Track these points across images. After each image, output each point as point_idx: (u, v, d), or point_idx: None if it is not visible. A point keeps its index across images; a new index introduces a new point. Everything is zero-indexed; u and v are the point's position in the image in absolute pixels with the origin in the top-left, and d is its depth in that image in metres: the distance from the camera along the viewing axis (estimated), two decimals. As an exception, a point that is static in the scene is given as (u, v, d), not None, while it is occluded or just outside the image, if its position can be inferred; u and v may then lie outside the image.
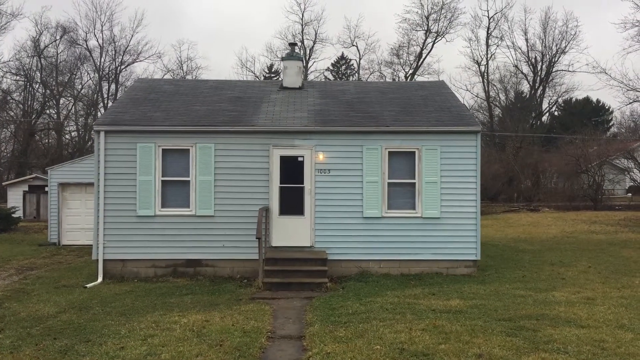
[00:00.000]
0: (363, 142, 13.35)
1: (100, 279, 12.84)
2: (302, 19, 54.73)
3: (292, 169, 13.36)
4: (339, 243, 13.23)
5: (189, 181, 13.25)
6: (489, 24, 53.03)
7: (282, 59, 16.20)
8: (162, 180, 13.24)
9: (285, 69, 16.25)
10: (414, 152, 13.37)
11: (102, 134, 13.10)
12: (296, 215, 13.30)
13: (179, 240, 13.16)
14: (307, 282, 11.74)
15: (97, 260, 13.08)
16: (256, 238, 11.63)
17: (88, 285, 12.21)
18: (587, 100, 59.60)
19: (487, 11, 52.08)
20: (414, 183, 13.34)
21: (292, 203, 13.32)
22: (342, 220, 13.27)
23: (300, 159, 13.37)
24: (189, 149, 13.26)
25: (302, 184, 13.31)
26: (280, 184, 13.29)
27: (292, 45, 16.38)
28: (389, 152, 13.37)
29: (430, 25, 52.98)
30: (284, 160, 13.33)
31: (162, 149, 13.25)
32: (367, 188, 13.26)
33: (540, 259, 15.61)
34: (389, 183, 13.35)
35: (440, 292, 10.95)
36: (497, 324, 8.15)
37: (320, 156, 13.31)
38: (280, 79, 16.49)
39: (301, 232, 13.26)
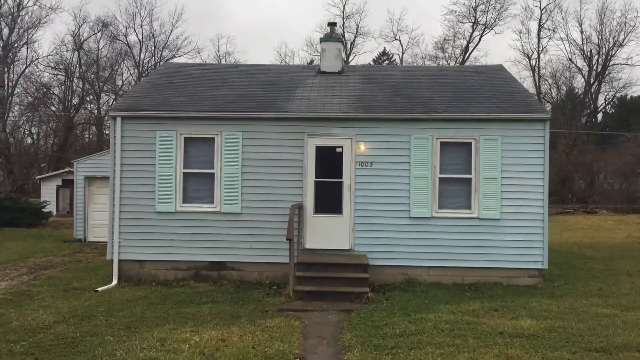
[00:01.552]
0: (411, 132, 11.62)
1: (114, 282, 11.51)
2: (343, 12, 52.91)
3: (329, 162, 11.75)
4: (382, 247, 11.56)
5: (213, 174, 11.79)
6: (541, 15, 50.19)
7: (320, 40, 14.61)
8: (184, 173, 11.81)
9: (323, 52, 14.65)
10: (470, 143, 11.57)
11: (118, 120, 11.76)
12: (333, 214, 11.69)
13: (201, 240, 11.72)
14: (344, 292, 10.11)
15: (112, 260, 11.76)
16: (287, 239, 10.07)
17: (100, 289, 10.88)
18: (643, 97, 56.06)
19: (540, 1, 48.75)
20: (470, 179, 11.55)
21: (328, 200, 11.71)
22: (385, 220, 11.59)
23: (338, 150, 11.74)
24: (213, 138, 11.80)
25: (341, 178, 11.69)
26: (316, 178, 11.69)
27: (332, 25, 14.75)
28: (441, 142, 11.61)
29: (477, 17, 50.47)
30: (320, 151, 11.73)
31: (184, 138, 11.82)
32: (415, 184, 11.54)
33: (613, 268, 13.57)
34: (440, 179, 11.59)
35: (503, 307, 9.16)
36: (589, 356, 6.36)
37: (362, 147, 11.65)
38: (318, 63, 14.76)
39: (339, 234, 11.63)
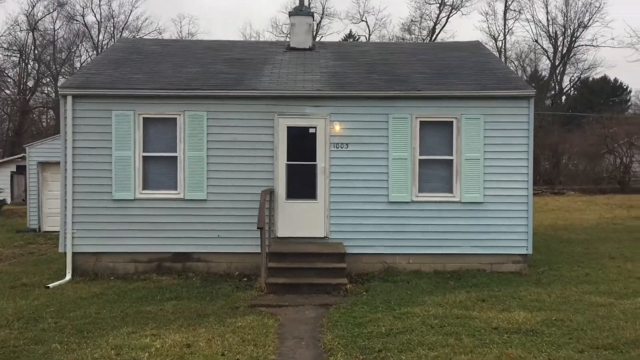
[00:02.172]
0: (389, 111, 10.87)
1: (68, 277, 10.50)
2: (309, -8, 51.76)
3: (302, 143, 10.92)
4: (360, 234, 10.83)
5: (176, 157, 10.83)
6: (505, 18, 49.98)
7: (289, 14, 13.68)
8: (144, 157, 10.82)
9: (292, 27, 13.72)
10: (451, 123, 10.89)
11: (69, 99, 10.66)
12: (307, 200, 10.89)
13: (164, 229, 10.79)
14: (321, 283, 9.36)
15: (65, 253, 10.74)
16: (257, 228, 9.23)
17: (51, 285, 9.87)
18: (604, 79, 56.54)
19: None
20: (451, 160, 10.88)
21: (302, 184, 10.90)
22: (363, 205, 10.85)
23: (311, 130, 10.91)
24: (175, 118, 10.82)
25: (314, 161, 10.88)
26: (288, 161, 10.85)
27: (301, -2, 13.87)
28: (421, 122, 10.89)
29: (444, -3, 50.01)
30: (292, 132, 10.88)
31: (144, 118, 10.81)
32: (394, 166, 10.82)
33: (594, 251, 13.17)
34: (420, 160, 10.89)
35: (492, 297, 8.55)
36: (600, 355, 5.75)
37: (337, 127, 10.85)
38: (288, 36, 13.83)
39: (313, 220, 10.85)
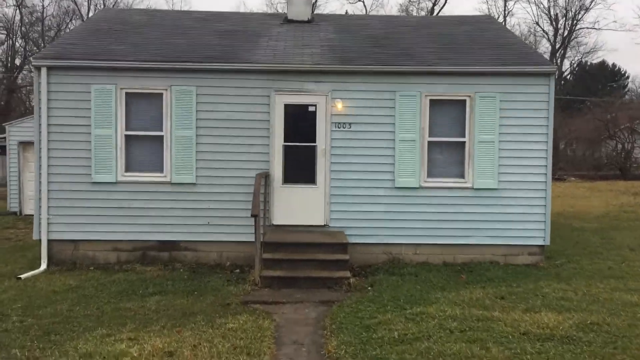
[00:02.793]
0: (396, 87, 9.92)
1: (43, 266, 9.57)
2: (305, -30, 50.33)
3: (300, 122, 9.98)
4: (363, 222, 9.94)
5: (162, 137, 9.86)
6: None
7: (287, -18, 12.64)
8: (126, 135, 9.84)
9: (290, -3, 12.70)
10: (463, 101, 9.96)
11: (43, 72, 9.64)
12: (306, 184, 9.98)
13: (149, 215, 9.85)
14: (321, 277, 8.47)
15: (40, 241, 9.79)
16: (251, 215, 8.30)
17: (23, 276, 8.94)
18: (603, 64, 55.72)
19: None
20: (464, 142, 9.97)
21: (300, 167, 9.97)
22: (366, 191, 9.95)
23: (311, 108, 9.96)
24: (162, 94, 9.83)
25: (314, 142, 9.94)
26: (285, 142, 9.91)
27: (300, -35, 12.78)
28: (431, 100, 9.95)
29: (444, -23, 48.73)
30: (291, 110, 9.93)
31: (126, 93, 9.82)
32: (401, 149, 9.90)
33: (611, 241, 12.34)
34: (429, 142, 9.98)
35: (511, 295, 7.69)
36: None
37: (339, 105, 9.90)
38: (285, 12, 12.82)
39: (312, 207, 9.94)
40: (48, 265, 9.64)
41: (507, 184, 9.94)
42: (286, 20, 12.60)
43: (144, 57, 9.96)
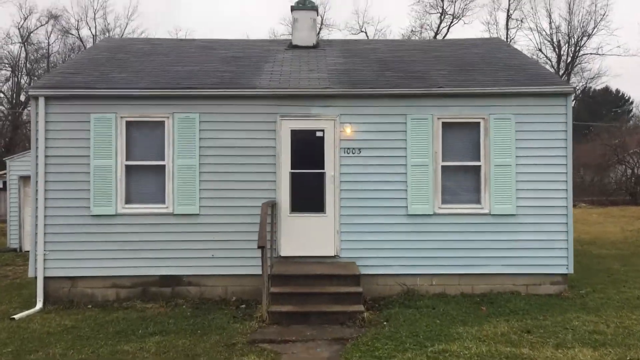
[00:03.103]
0: (407, 111, 9.53)
1: (39, 305, 9.07)
2: (307, 2, 50.71)
3: (308, 149, 9.57)
4: (375, 252, 9.44)
5: (164, 166, 9.45)
6: (509, 5, 48.96)
7: (292, 8, 12.38)
8: (127, 166, 9.44)
9: (295, 22, 12.42)
10: (478, 124, 9.54)
11: (41, 101, 9.30)
12: (314, 213, 9.51)
13: (150, 249, 9.38)
14: (333, 312, 7.93)
15: (36, 278, 9.30)
16: (258, 247, 7.82)
17: (17, 316, 8.44)
18: (606, 90, 55.57)
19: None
20: (479, 167, 9.52)
21: (308, 196, 9.52)
22: (378, 219, 9.47)
23: (319, 134, 9.56)
24: (164, 122, 9.46)
25: (323, 169, 9.51)
26: (292, 169, 9.49)
27: (304, -9, 12.59)
28: (443, 123, 9.55)
29: (445, 7, 48.95)
30: (297, 136, 9.53)
31: (127, 122, 9.45)
32: (414, 174, 9.45)
33: (634, 268, 11.77)
34: (443, 167, 9.53)
35: (538, 328, 7.14)
36: None
37: (348, 130, 9.50)
38: (289, 38, 12.53)
39: (322, 237, 9.46)
40: (44, 304, 9.13)
41: (526, 210, 9.45)
42: (291, 46, 12.32)
43: (144, 85, 9.63)
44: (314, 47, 12.29)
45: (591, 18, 48.06)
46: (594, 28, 47.86)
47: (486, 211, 9.46)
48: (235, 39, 13.05)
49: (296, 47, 12.26)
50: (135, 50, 11.82)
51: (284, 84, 9.76)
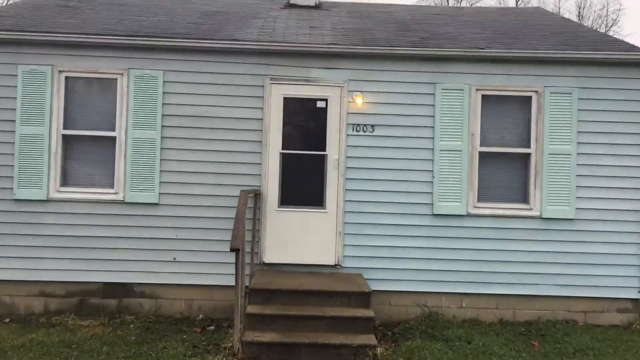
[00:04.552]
0: (436, 78, 7.28)
1: (-63, 318, 6.76)
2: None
3: (305, 123, 7.32)
4: (388, 261, 7.19)
5: (114, 139, 7.16)
6: (516, 4, 46.91)
7: (290, -42, 10.12)
8: (64, 136, 7.14)
9: (294, -24, 10.17)
10: (528, 99, 7.30)
11: (-48, 45, 7.00)
12: (311, 208, 7.24)
13: (92, 247, 7.08)
14: (332, 345, 5.65)
15: (-64, 280, 6.99)
16: (231, 249, 5.51)
17: None
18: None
19: None
20: (528, 155, 7.28)
21: (303, 184, 7.26)
22: (394, 218, 7.21)
23: (320, 104, 7.29)
24: (116, 79, 7.17)
25: (323, 150, 7.24)
26: (284, 149, 7.22)
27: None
28: (483, 96, 7.30)
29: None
30: (292, 106, 7.27)
31: (67, 77, 7.16)
32: (442, 162, 7.20)
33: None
34: (481, 154, 7.28)
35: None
36: None
37: (358, 101, 7.23)
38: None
39: (319, 239, 7.19)
40: (-56, 316, 6.82)
41: (587, 213, 7.20)
42: (287, 5, 10.07)
43: (93, 30, 7.33)
44: (316, 7, 10.05)
45: (602, 22, 46.09)
46: (605, 33, 45.93)
47: (536, 213, 7.21)
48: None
49: (294, 5, 10.02)
50: (101, 1, 9.51)
51: (277, 37, 7.49)
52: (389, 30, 8.38)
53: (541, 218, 7.21)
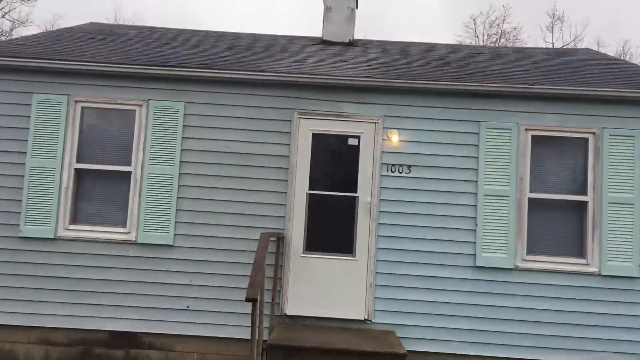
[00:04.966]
0: (480, 116, 6.63)
1: None
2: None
3: (335, 162, 6.72)
4: (424, 318, 6.40)
5: (129, 174, 6.65)
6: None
7: (324, -6, 9.76)
8: (77, 170, 6.67)
9: (327, 13, 9.74)
10: (584, 141, 6.58)
11: (-35, 72, 6.67)
12: (339, 255, 6.54)
13: (99, 291, 6.49)
14: (361, 416, 4.86)
15: None
16: (247, 299, 4.83)
17: None
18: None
19: (552, 44, 44.18)
20: (584, 203, 6.50)
21: (331, 229, 6.60)
22: (432, 270, 6.46)
23: (352, 142, 6.69)
24: (134, 111, 6.72)
25: (355, 192, 6.59)
26: (311, 189, 6.60)
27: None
28: (534, 137, 6.60)
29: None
30: (321, 142, 6.68)
31: (83, 108, 6.74)
32: (487, 208, 6.47)
33: None
34: (531, 200, 6.52)
35: None
36: None
37: (394, 138, 6.61)
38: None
39: (348, 290, 6.45)
40: (-64, 362, 6.24)
41: (654, 271, 6.34)
42: (320, 42, 9.63)
43: (113, 60, 6.93)
44: (350, 43, 9.58)
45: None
46: None
47: (594, 269, 6.37)
48: (252, 33, 10.40)
49: (327, 42, 9.56)
50: (121, 33, 9.23)
51: (307, 70, 6.98)
52: (427, 66, 7.82)
53: (600, 275, 6.36)
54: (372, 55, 8.53)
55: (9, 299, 6.48)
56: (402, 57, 8.41)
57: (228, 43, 8.94)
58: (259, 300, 4.90)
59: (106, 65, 6.65)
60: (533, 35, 42.59)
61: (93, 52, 7.40)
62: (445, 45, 10.18)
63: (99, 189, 6.69)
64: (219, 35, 9.80)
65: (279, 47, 8.72)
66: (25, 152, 6.60)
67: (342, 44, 9.53)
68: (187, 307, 6.47)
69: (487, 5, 45.01)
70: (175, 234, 6.53)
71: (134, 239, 6.53)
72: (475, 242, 6.46)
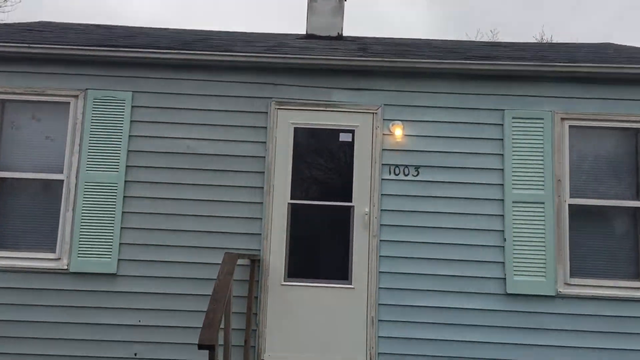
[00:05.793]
0: (505, 103, 5.28)
1: None
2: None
3: (323, 163, 5.33)
4: (443, 362, 4.94)
5: (60, 183, 5.20)
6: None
7: (308, -16, 8.49)
8: (-7, 179, 5.24)
9: (312, 1, 8.49)
10: (635, 131, 5.25)
11: None
12: (330, 282, 5.09)
13: (20, 336, 4.98)
14: None
15: None
16: (199, 346, 3.36)
17: None
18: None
19: None
20: (638, 210, 5.13)
21: (320, 249, 5.18)
22: (449, 299, 5.02)
23: (344, 136, 5.30)
24: (68, 103, 5.31)
25: (349, 200, 5.17)
26: (293, 198, 5.17)
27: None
28: (571, 128, 5.25)
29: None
30: (305, 138, 5.30)
31: (4, 101, 5.33)
32: (517, 218, 5.07)
33: None
34: (572, 207, 5.13)
35: None
36: None
37: (397, 132, 5.23)
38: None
39: (342, 327, 4.98)
40: None
41: None
42: (305, 36, 8.32)
43: (44, 40, 5.56)
44: (338, 37, 8.28)
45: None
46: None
47: (657, 294, 4.97)
48: (230, 31, 9.08)
49: (312, 36, 8.24)
50: (72, 28, 7.87)
51: (288, 50, 5.64)
52: (432, 51, 6.51)
53: (666, 301, 4.96)
54: (365, 45, 7.23)
55: None
56: (400, 47, 7.11)
57: (200, 34, 7.62)
58: (216, 346, 3.43)
59: (30, 46, 5.26)
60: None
61: (24, 36, 6.02)
62: (452, 40, 8.92)
63: (21, 203, 5.23)
64: (186, 31, 8.47)
65: (258, 38, 7.41)
66: None
67: (329, 37, 8.21)
68: (135, 355, 4.97)
69: (474, 30, 44.57)
70: (119, 260, 5.06)
71: (66, 267, 5.05)
72: (503, 263, 5.04)
